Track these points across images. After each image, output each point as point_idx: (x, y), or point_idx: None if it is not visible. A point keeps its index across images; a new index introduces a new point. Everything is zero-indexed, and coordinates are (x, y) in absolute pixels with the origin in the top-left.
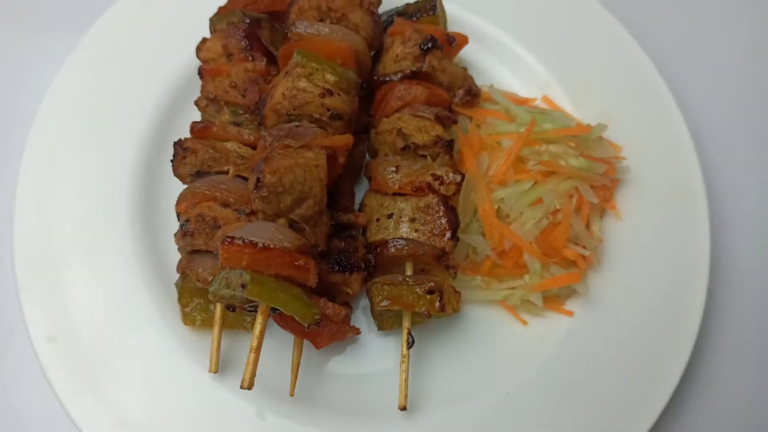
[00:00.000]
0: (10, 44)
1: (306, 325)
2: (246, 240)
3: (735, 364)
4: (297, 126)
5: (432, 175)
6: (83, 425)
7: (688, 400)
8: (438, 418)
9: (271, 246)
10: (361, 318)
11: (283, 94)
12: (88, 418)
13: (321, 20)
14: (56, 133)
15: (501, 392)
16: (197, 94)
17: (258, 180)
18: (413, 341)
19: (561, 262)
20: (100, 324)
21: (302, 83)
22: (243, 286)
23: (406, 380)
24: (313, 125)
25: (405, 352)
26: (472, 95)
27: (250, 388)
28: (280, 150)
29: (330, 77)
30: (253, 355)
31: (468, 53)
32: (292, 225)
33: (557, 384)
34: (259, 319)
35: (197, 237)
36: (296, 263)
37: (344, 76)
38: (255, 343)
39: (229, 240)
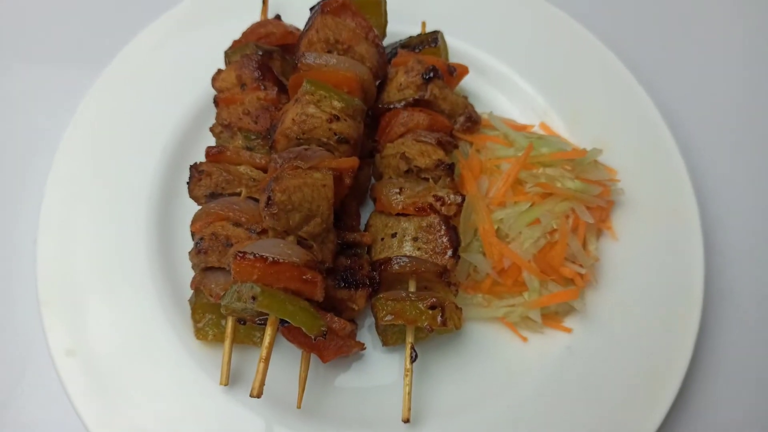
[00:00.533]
0: (34, 77)
1: (313, 337)
2: (257, 255)
3: (730, 380)
4: (306, 149)
5: (434, 196)
6: None
7: (684, 415)
8: (440, 431)
9: (281, 260)
10: (366, 336)
11: (293, 119)
12: (103, 427)
13: (329, 52)
14: (79, 158)
15: (502, 406)
16: (212, 121)
17: (269, 198)
18: (416, 356)
19: (559, 280)
20: (117, 338)
21: (311, 109)
22: (254, 298)
23: (409, 393)
24: (320, 148)
25: (408, 366)
26: (473, 122)
27: (259, 396)
28: (289, 171)
29: (337, 104)
30: (262, 364)
31: (469, 83)
32: (301, 242)
33: (556, 398)
34: (269, 330)
35: (211, 254)
36: (304, 277)
37: (350, 103)
38: (264, 353)
39: (240, 255)
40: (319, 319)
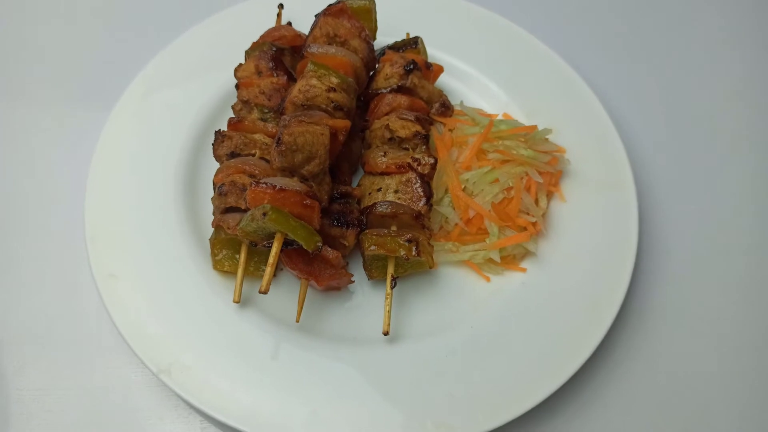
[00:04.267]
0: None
1: (310, 252)
2: (268, 183)
3: (657, 314)
4: (309, 112)
5: (411, 158)
6: (133, 343)
7: (619, 339)
8: (415, 346)
9: (286, 188)
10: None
11: (299, 89)
12: (135, 338)
13: (329, 44)
14: (125, 128)
15: (466, 327)
16: (234, 101)
17: (279, 139)
18: (396, 283)
19: (514, 228)
20: (150, 267)
21: (314, 81)
22: (264, 214)
23: (389, 312)
24: (320, 112)
25: (389, 291)
26: (446, 108)
27: (266, 292)
28: (295, 122)
29: (334, 79)
30: (269, 268)
31: (443, 82)
32: (302, 182)
33: (512, 321)
34: (276, 243)
35: (230, 196)
36: (305, 202)
37: (345, 79)
38: (271, 260)
39: (255, 184)
40: (316, 235)
